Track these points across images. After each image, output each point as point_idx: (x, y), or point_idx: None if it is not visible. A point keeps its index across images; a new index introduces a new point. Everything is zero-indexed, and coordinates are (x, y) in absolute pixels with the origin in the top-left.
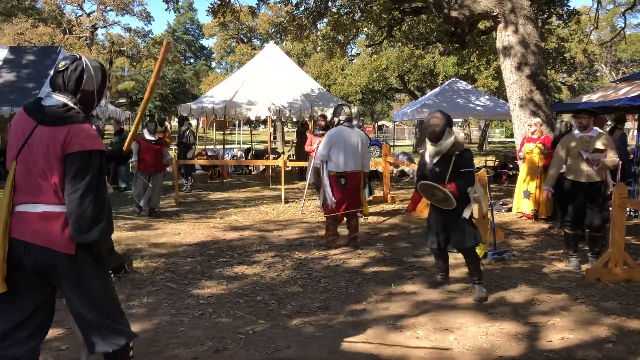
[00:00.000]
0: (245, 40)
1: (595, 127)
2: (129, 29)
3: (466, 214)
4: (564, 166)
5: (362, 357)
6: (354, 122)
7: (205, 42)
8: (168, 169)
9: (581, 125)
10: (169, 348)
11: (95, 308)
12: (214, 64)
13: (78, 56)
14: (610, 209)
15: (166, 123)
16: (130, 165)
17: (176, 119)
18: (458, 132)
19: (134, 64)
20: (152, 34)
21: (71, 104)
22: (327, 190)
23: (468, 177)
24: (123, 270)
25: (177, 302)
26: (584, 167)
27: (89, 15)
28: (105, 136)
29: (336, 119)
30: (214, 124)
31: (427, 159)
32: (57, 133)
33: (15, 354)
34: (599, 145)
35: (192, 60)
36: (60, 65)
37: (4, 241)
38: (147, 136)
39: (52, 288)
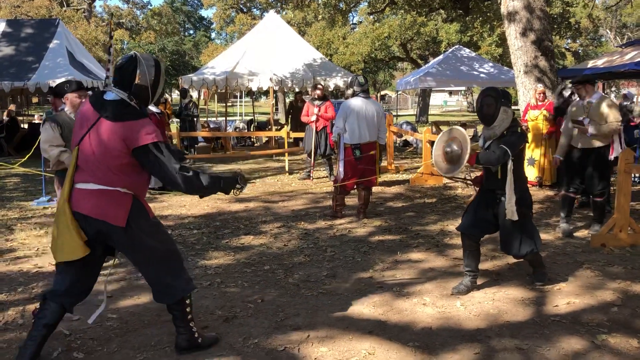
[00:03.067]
0: (244, 10)
1: (598, 92)
2: (127, 1)
3: (510, 213)
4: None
5: (370, 323)
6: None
7: (204, 13)
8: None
9: (580, 95)
10: None
11: (151, 267)
12: (213, 35)
13: (134, 54)
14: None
15: (165, 95)
16: None
17: (176, 92)
18: (510, 110)
19: (133, 36)
20: (151, 6)
21: (127, 100)
22: (340, 163)
23: (498, 153)
24: (239, 187)
25: None
26: (579, 133)
27: None
28: None
29: (350, 90)
30: (215, 95)
31: (480, 142)
32: (116, 129)
33: (63, 303)
34: (596, 110)
35: (191, 32)
36: (118, 63)
37: (70, 212)
38: (152, 108)
39: (103, 256)
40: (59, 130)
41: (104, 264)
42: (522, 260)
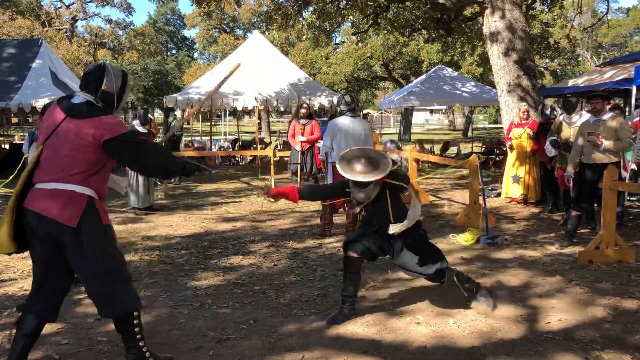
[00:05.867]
0: (227, 30)
1: (611, 112)
2: (109, 21)
3: (395, 228)
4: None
5: (364, 343)
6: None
7: (187, 33)
8: None
9: (595, 109)
10: (171, 340)
11: (97, 278)
12: (196, 55)
13: (104, 63)
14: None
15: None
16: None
17: (159, 111)
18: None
19: (116, 55)
20: (133, 25)
21: (93, 101)
22: (328, 181)
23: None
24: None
25: (174, 294)
26: (592, 149)
27: (68, 7)
28: None
29: (338, 109)
30: (200, 115)
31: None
32: (84, 124)
33: (35, 310)
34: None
35: (174, 52)
36: (86, 69)
37: (13, 210)
38: (139, 128)
39: (65, 259)
40: None
41: None
42: (511, 278)
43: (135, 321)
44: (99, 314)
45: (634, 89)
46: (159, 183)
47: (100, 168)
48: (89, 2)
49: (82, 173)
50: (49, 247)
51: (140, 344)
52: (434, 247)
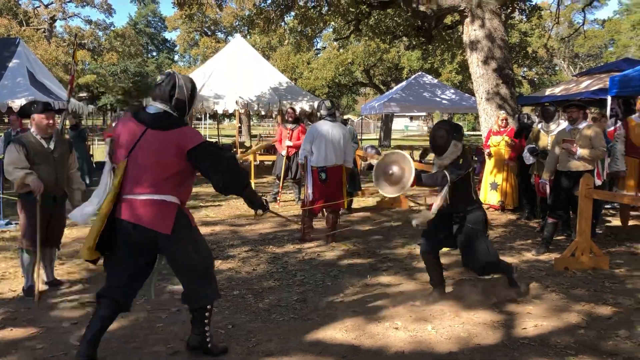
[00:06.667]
0: (209, 34)
1: (585, 120)
2: (89, 22)
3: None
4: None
5: (343, 348)
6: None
7: (168, 35)
8: None
9: (571, 118)
10: (148, 344)
11: (186, 273)
12: (177, 57)
13: (172, 72)
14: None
15: None
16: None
17: None
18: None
19: (95, 57)
20: (114, 27)
21: (170, 111)
22: (308, 185)
23: (439, 175)
24: (264, 208)
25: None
26: (568, 157)
27: (47, 6)
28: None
29: (318, 114)
30: None
31: (434, 168)
32: (170, 136)
33: (115, 296)
34: (583, 134)
35: (154, 54)
36: (158, 80)
37: (103, 221)
38: None
39: (153, 259)
40: (24, 151)
41: None
42: (489, 283)
43: (208, 308)
44: (182, 302)
45: (609, 99)
46: None
47: (186, 177)
48: (69, 2)
49: (170, 183)
50: (141, 253)
51: (205, 328)
52: (490, 246)
